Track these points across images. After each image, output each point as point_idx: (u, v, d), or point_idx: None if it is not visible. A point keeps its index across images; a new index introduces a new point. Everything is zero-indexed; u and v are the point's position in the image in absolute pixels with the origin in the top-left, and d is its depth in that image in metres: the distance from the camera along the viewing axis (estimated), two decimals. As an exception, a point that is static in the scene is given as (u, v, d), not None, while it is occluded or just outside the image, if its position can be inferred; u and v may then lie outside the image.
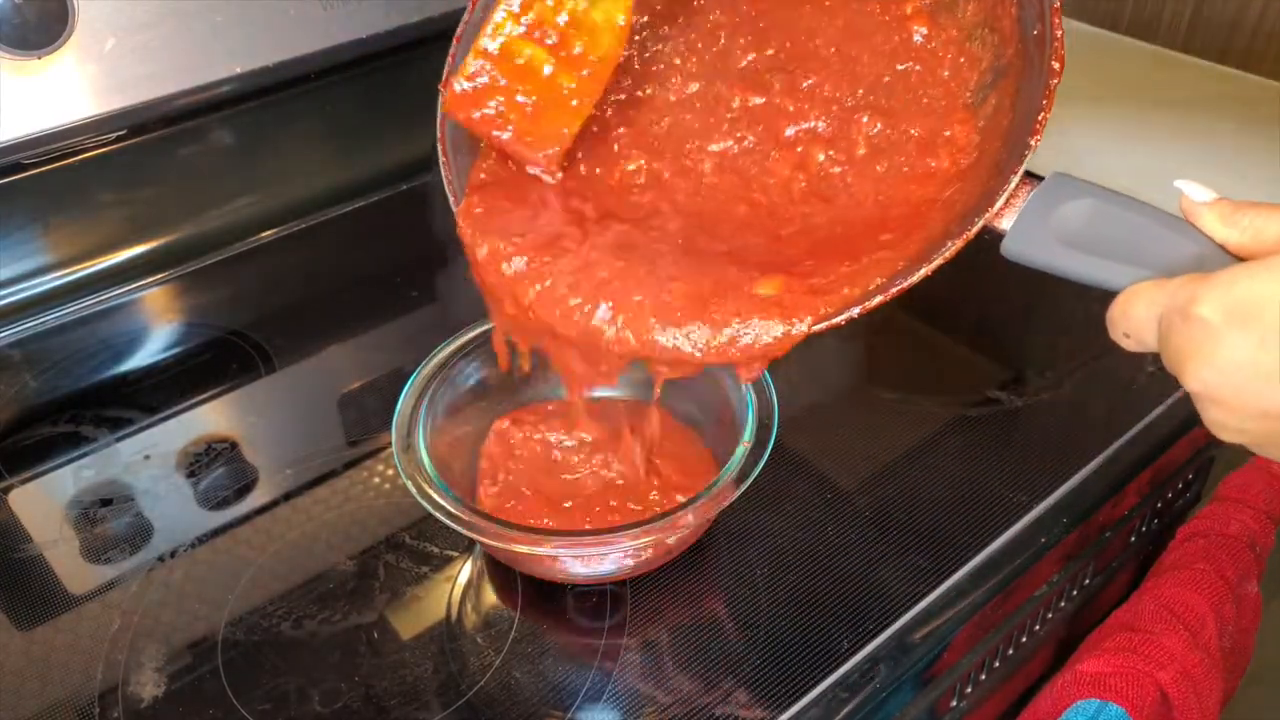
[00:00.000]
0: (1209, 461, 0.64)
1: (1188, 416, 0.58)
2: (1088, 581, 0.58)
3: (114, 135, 0.71)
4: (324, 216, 0.81)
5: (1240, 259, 0.36)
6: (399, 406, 0.51)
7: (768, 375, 0.52)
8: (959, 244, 0.39)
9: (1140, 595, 0.54)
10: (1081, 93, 0.89)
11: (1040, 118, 0.39)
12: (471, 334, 0.56)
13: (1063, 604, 0.57)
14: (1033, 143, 0.39)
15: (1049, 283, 0.71)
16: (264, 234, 0.79)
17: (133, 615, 0.50)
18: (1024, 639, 0.55)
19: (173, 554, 0.53)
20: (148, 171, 0.74)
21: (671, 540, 0.47)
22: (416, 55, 0.79)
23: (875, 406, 0.60)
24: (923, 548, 0.51)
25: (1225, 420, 0.34)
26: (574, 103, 0.44)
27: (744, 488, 0.46)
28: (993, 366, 0.64)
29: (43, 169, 0.69)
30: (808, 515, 0.53)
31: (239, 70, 0.72)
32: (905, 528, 0.52)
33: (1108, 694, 0.48)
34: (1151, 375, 0.61)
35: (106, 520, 0.56)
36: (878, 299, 0.41)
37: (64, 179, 0.70)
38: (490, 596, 0.50)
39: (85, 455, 0.60)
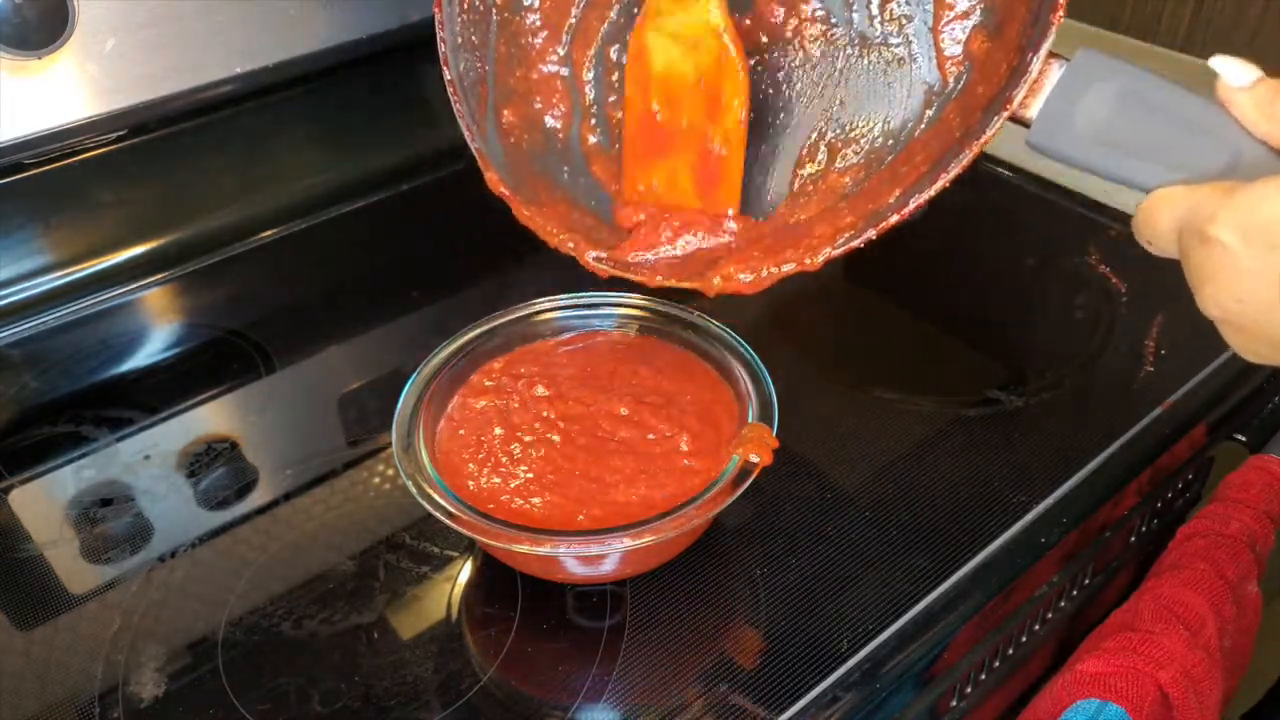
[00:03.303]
0: (1209, 461, 0.64)
1: (1188, 416, 0.58)
2: (1088, 581, 0.58)
3: (114, 135, 0.71)
4: (324, 216, 0.81)
5: None
6: (399, 406, 0.51)
7: (767, 375, 0.52)
8: (985, 138, 0.36)
9: (1140, 595, 0.54)
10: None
11: None
12: (471, 334, 0.56)
13: (1063, 604, 0.57)
14: (1055, 19, 0.35)
15: (1049, 282, 0.71)
16: (264, 234, 0.79)
17: (133, 615, 0.50)
18: (1024, 639, 0.55)
19: (173, 554, 0.53)
20: (148, 171, 0.74)
21: (671, 539, 0.46)
22: (416, 55, 0.79)
23: (875, 406, 0.60)
24: (923, 548, 0.51)
25: (1245, 345, 0.32)
26: (729, 169, 0.46)
27: (743, 488, 0.46)
28: (993, 366, 0.64)
29: (43, 169, 0.69)
30: (807, 515, 0.53)
31: (239, 70, 0.72)
32: (905, 528, 0.52)
33: (1108, 694, 0.48)
34: (1151, 375, 0.61)
35: (106, 520, 0.56)
36: (894, 217, 0.38)
37: (64, 179, 0.70)
38: (490, 596, 0.50)
39: (85, 455, 0.60)
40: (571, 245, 0.47)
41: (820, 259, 0.41)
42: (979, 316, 0.69)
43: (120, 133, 0.71)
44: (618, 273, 0.47)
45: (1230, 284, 0.30)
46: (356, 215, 0.81)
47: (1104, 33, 1.01)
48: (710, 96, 0.44)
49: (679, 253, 0.47)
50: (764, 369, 0.52)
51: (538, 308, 0.58)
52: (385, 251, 0.78)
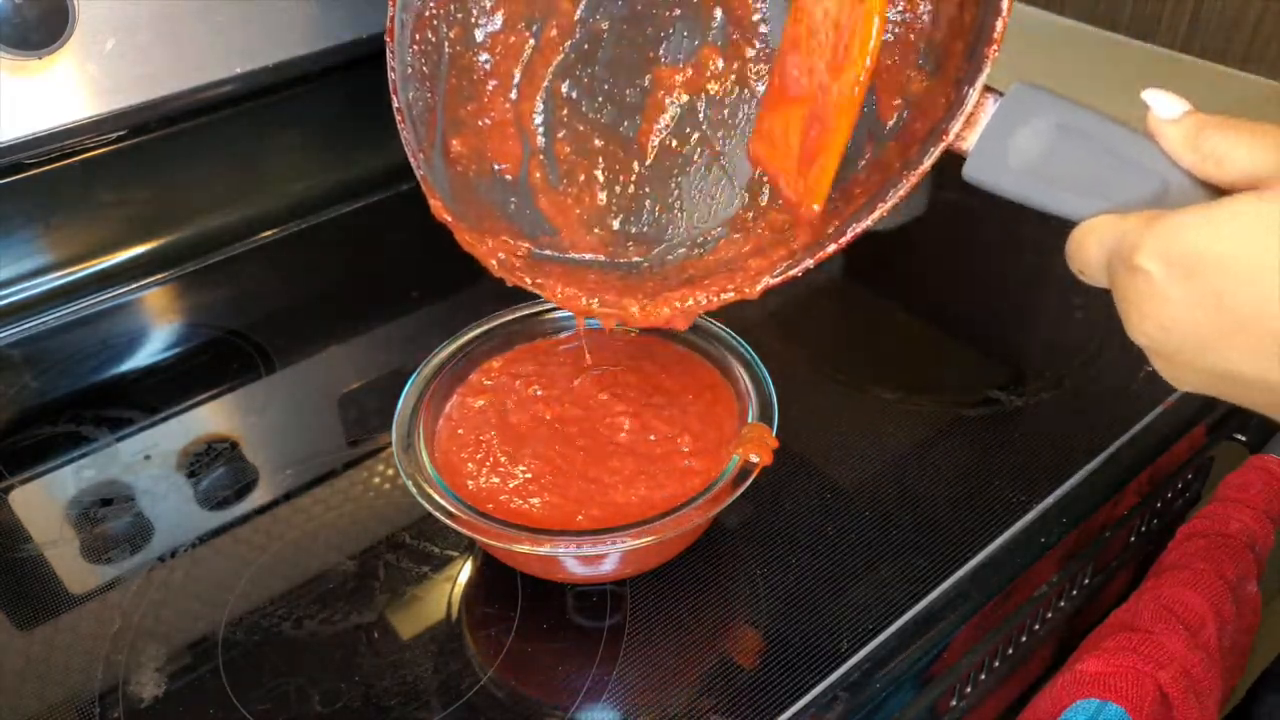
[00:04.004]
0: (1209, 461, 0.64)
1: (1188, 416, 0.58)
2: (1088, 581, 0.58)
3: (114, 135, 0.71)
4: (324, 217, 0.81)
5: (1214, 189, 0.32)
6: (399, 406, 0.51)
7: (767, 376, 0.52)
8: (921, 169, 0.37)
9: (1140, 595, 0.54)
10: (1080, 92, 0.89)
11: (997, 24, 0.36)
12: (472, 334, 0.56)
13: (1063, 604, 0.57)
14: (989, 53, 0.36)
15: (1049, 282, 0.71)
16: (264, 234, 0.79)
17: (133, 615, 0.50)
18: (1024, 639, 0.55)
19: (173, 554, 0.53)
20: (148, 171, 0.74)
21: (671, 539, 0.46)
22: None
23: (875, 406, 0.60)
24: (923, 548, 0.51)
25: (1169, 372, 0.33)
26: (828, 147, 0.42)
27: (743, 488, 0.46)
28: (993, 366, 0.64)
29: (43, 169, 0.69)
30: (807, 515, 0.53)
31: (239, 70, 0.72)
32: (905, 528, 0.52)
33: (1108, 694, 0.48)
34: (1151, 375, 0.61)
35: (106, 520, 0.56)
36: (831, 247, 0.39)
37: (64, 179, 0.70)
38: (490, 596, 0.50)
39: (85, 455, 0.60)
40: (519, 279, 0.47)
41: (759, 287, 0.41)
42: (979, 316, 0.69)
43: (120, 133, 0.71)
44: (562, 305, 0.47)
45: (1154, 312, 0.30)
46: (357, 215, 0.81)
47: (1104, 33, 1.01)
48: (836, 51, 0.39)
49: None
50: (764, 369, 0.52)
51: (538, 307, 0.58)
52: (385, 251, 0.78)
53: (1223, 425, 0.61)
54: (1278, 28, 0.89)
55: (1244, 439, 0.63)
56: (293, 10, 0.72)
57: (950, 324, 0.68)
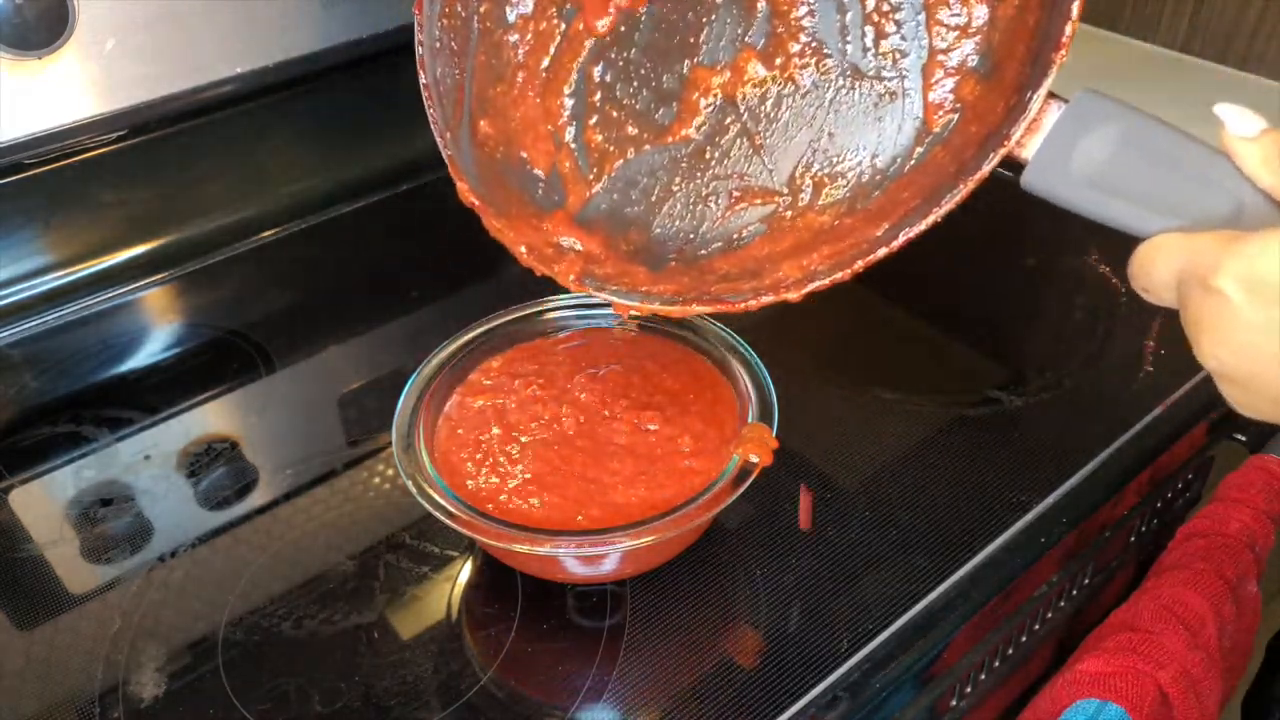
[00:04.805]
0: (1209, 461, 0.64)
1: (1188, 416, 0.58)
2: (1088, 581, 0.58)
3: (114, 135, 0.71)
4: (324, 216, 0.81)
5: None
6: (399, 406, 0.51)
7: (767, 376, 0.52)
8: (980, 175, 0.36)
9: (1140, 595, 0.54)
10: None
11: (1066, 28, 0.34)
12: (471, 334, 0.56)
13: (1063, 604, 0.57)
14: (1056, 59, 0.35)
15: (1049, 282, 0.71)
16: (264, 234, 0.79)
17: (133, 615, 0.50)
18: (1024, 639, 0.55)
19: (173, 554, 0.53)
20: (148, 171, 0.74)
21: (671, 539, 0.46)
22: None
23: (875, 406, 0.60)
24: (923, 548, 0.51)
25: (1240, 399, 0.32)
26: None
27: (743, 488, 0.46)
28: (993, 366, 0.64)
29: (43, 169, 0.69)
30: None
31: (239, 70, 0.72)
32: (905, 528, 0.52)
33: (1108, 694, 0.48)
34: (1151, 375, 0.61)
35: (106, 520, 0.56)
36: (881, 251, 0.38)
37: (64, 179, 0.70)
38: (490, 596, 0.50)
39: (85, 455, 0.60)
40: (548, 268, 0.47)
41: (804, 292, 0.41)
42: (979, 316, 0.69)
43: (120, 133, 0.71)
44: (596, 294, 0.46)
45: (1229, 336, 0.30)
46: (357, 215, 0.81)
47: (1104, 33, 1.01)
48: None
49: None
50: (764, 369, 0.52)
51: (538, 307, 0.58)
52: (385, 251, 0.78)
53: (1223, 425, 0.61)
54: (1278, 28, 0.89)
55: (1244, 439, 0.63)
56: (293, 10, 0.72)
57: (950, 324, 0.68)
